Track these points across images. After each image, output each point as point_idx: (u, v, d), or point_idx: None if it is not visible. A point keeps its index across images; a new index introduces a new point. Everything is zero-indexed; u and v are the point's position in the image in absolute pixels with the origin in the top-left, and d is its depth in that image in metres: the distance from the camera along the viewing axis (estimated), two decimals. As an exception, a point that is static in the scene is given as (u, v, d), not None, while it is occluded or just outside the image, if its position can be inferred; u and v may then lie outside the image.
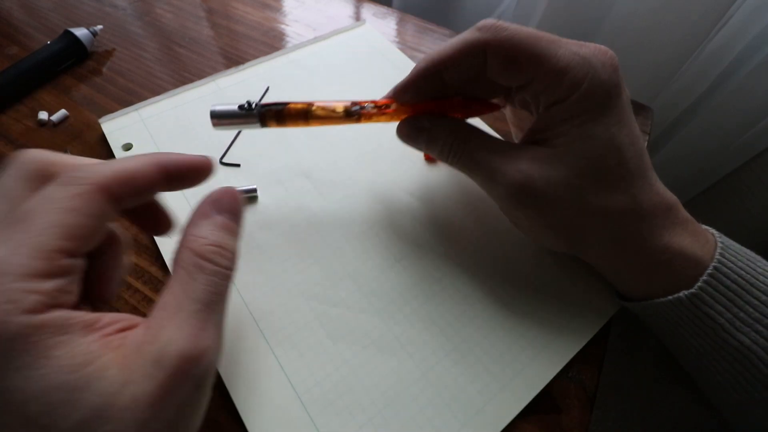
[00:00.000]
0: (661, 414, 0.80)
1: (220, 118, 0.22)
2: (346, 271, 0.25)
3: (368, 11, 0.44)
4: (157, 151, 0.30)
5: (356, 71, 0.37)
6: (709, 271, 0.20)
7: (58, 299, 0.14)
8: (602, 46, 0.20)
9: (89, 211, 0.15)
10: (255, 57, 0.38)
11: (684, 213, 0.22)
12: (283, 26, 0.42)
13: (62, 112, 0.33)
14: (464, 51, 0.21)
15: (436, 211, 0.28)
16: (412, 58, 0.38)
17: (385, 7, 0.44)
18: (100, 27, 0.38)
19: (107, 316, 0.15)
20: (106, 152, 0.31)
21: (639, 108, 0.37)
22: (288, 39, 0.41)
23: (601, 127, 0.20)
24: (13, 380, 0.12)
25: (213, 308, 0.15)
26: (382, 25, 0.42)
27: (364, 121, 0.24)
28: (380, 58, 0.38)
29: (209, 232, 0.16)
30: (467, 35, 0.21)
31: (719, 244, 0.21)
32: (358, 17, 0.43)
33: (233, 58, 0.38)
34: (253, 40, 0.40)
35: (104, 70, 0.37)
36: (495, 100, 0.26)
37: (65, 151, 0.31)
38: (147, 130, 0.32)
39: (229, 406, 0.21)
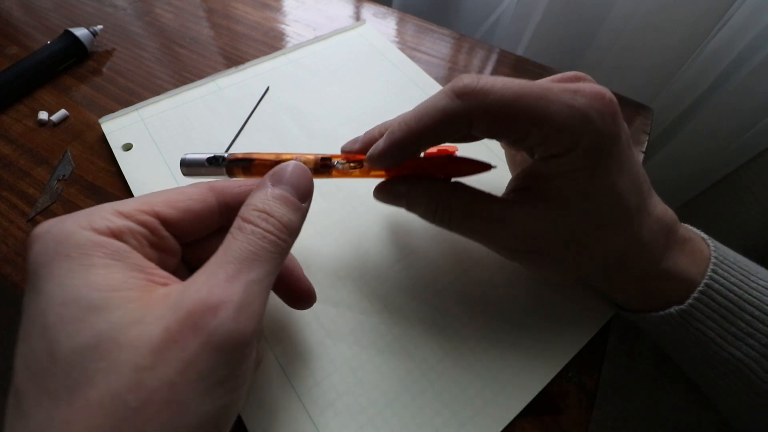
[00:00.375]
0: (661, 414, 0.80)
1: (189, 167, 0.22)
2: (346, 271, 0.25)
3: (368, 11, 0.44)
4: (157, 151, 0.30)
5: (356, 71, 0.37)
6: (700, 288, 0.20)
7: (125, 237, 0.15)
8: (598, 90, 0.18)
9: (192, 195, 0.17)
10: (255, 57, 0.38)
11: (681, 231, 0.22)
12: (283, 26, 0.42)
13: (62, 112, 0.33)
14: (446, 122, 0.19)
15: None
16: (412, 58, 0.38)
17: (385, 7, 0.44)
18: (100, 27, 0.38)
19: (164, 273, 0.15)
20: (106, 152, 0.31)
21: (639, 108, 0.37)
22: (288, 39, 0.41)
23: (600, 179, 0.18)
24: (49, 285, 0.13)
25: (247, 266, 0.14)
26: (382, 25, 0.42)
27: (336, 176, 0.22)
28: (380, 58, 0.38)
29: (258, 201, 0.16)
30: (447, 104, 0.18)
31: (713, 260, 0.21)
32: (358, 17, 0.43)
33: (233, 58, 0.38)
34: (253, 40, 0.40)
35: (104, 70, 0.37)
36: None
37: (65, 152, 0.31)
38: (147, 130, 0.32)
39: (229, 406, 0.21)
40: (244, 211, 0.16)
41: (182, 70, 0.37)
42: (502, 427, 0.21)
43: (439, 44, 0.41)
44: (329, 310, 0.24)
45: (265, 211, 0.16)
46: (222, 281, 0.14)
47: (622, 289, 0.22)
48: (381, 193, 0.23)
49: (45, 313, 0.13)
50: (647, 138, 0.35)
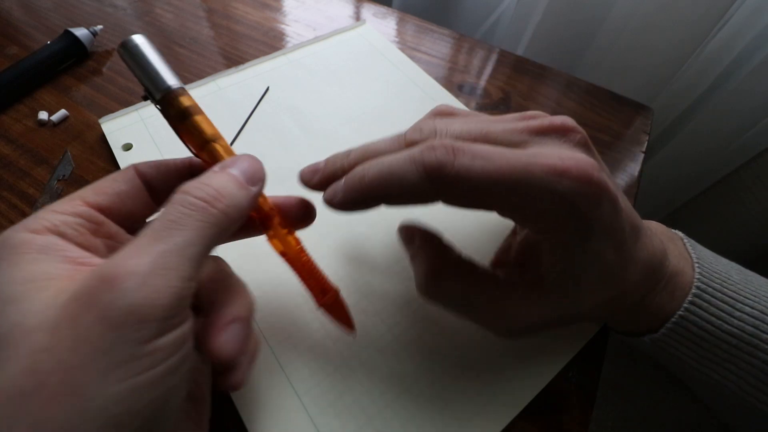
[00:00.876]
0: (660, 414, 0.80)
1: (130, 55, 0.18)
2: (346, 271, 0.25)
3: (368, 11, 0.44)
4: (157, 151, 0.30)
5: (356, 71, 0.37)
6: (674, 319, 0.20)
7: (60, 230, 0.15)
8: (585, 170, 0.16)
9: (117, 177, 0.18)
10: (255, 57, 0.38)
11: (670, 267, 0.21)
12: (283, 26, 0.42)
13: (62, 112, 0.33)
14: (410, 197, 0.17)
15: (436, 211, 0.28)
16: (412, 58, 0.38)
17: (385, 7, 0.45)
18: (100, 27, 0.38)
19: (101, 261, 0.15)
20: (106, 152, 0.31)
21: (639, 108, 0.37)
22: (288, 39, 0.41)
23: (588, 255, 0.17)
24: None
25: (164, 235, 0.13)
26: (382, 25, 0.42)
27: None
28: (380, 58, 0.38)
29: (201, 177, 0.16)
30: (415, 182, 0.16)
31: (694, 290, 0.20)
32: (358, 17, 0.43)
33: (233, 58, 0.38)
34: (253, 40, 0.40)
35: (104, 70, 0.37)
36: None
37: (65, 152, 0.31)
38: (147, 130, 0.32)
39: (228, 406, 0.21)
40: (181, 187, 0.15)
41: (182, 70, 0.37)
42: (502, 427, 0.21)
43: (439, 44, 0.41)
44: (329, 310, 0.24)
45: (201, 181, 0.15)
46: (130, 253, 0.13)
47: (602, 319, 0.23)
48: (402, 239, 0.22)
49: None
50: (647, 138, 0.35)
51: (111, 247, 0.16)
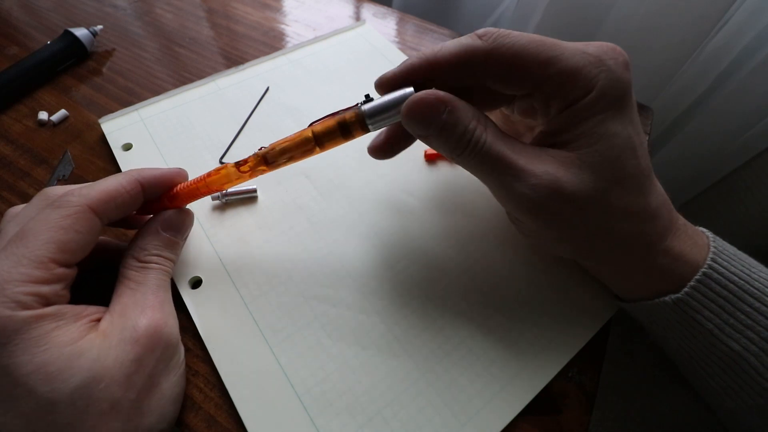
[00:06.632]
0: (661, 414, 0.80)
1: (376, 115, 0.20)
2: (346, 271, 0.25)
3: (368, 11, 0.44)
4: (157, 151, 0.30)
5: (356, 71, 0.37)
6: (697, 276, 0.20)
7: (53, 300, 0.17)
8: (611, 44, 0.19)
9: (79, 228, 0.18)
10: (255, 57, 0.38)
11: (679, 215, 0.22)
12: (283, 26, 0.42)
13: (62, 112, 0.33)
14: (464, 57, 0.20)
15: (435, 212, 0.28)
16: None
17: (385, 7, 0.44)
18: (100, 27, 0.38)
19: (90, 308, 0.19)
20: (106, 152, 0.31)
21: (639, 108, 0.37)
22: (288, 39, 0.41)
23: (619, 126, 0.19)
24: (18, 358, 0.15)
25: (162, 292, 0.20)
26: (382, 25, 0.42)
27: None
28: (380, 58, 0.38)
29: (152, 246, 0.21)
30: (467, 41, 0.20)
31: (712, 248, 0.20)
32: (358, 17, 0.43)
33: (233, 58, 0.38)
34: (253, 40, 0.40)
35: (104, 70, 0.37)
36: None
37: (65, 152, 0.31)
38: (147, 130, 0.32)
39: (228, 406, 0.21)
40: (141, 254, 0.21)
41: (182, 70, 0.37)
42: (502, 427, 0.21)
43: (439, 44, 0.41)
44: (329, 310, 0.24)
45: (160, 255, 0.21)
46: (158, 306, 0.20)
47: (624, 271, 0.22)
48: (418, 104, 0.19)
49: (25, 378, 0.15)
50: (647, 138, 0.35)
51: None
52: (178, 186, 0.23)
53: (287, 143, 0.21)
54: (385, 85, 0.21)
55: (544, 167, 0.19)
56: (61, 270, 0.18)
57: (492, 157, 0.19)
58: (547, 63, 0.19)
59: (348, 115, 0.21)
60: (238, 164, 0.22)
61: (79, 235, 0.18)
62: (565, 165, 0.19)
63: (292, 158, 0.22)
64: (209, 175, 0.22)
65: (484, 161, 0.19)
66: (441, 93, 0.19)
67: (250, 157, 0.22)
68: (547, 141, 0.20)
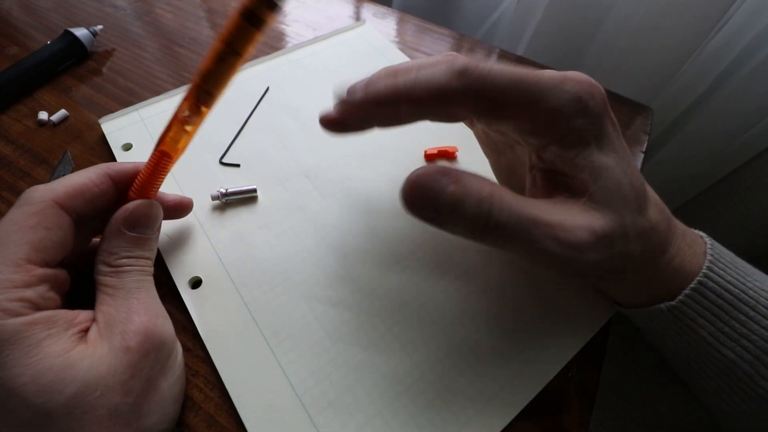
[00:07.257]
0: (661, 414, 0.80)
1: None
2: (346, 271, 0.25)
3: (368, 11, 0.44)
4: (157, 151, 0.30)
5: (356, 71, 0.37)
6: (692, 285, 0.20)
7: (41, 303, 0.17)
8: (584, 76, 0.18)
9: (47, 224, 0.18)
10: (255, 57, 0.38)
11: (678, 222, 0.21)
12: (283, 26, 0.42)
13: (62, 112, 0.33)
14: (437, 98, 0.18)
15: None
16: (412, 58, 0.38)
17: (385, 7, 0.45)
18: (100, 27, 0.38)
19: (83, 314, 0.18)
20: (106, 152, 0.31)
21: (639, 108, 0.37)
22: (288, 39, 0.41)
23: (604, 157, 0.18)
24: (11, 370, 0.15)
25: (142, 293, 0.19)
26: (382, 25, 0.42)
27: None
28: (380, 58, 0.38)
29: (120, 248, 0.20)
30: (444, 79, 0.17)
31: (708, 256, 0.20)
32: (358, 17, 0.43)
33: (233, 58, 0.38)
34: (253, 40, 0.40)
35: (104, 70, 0.37)
36: None
37: (65, 152, 0.31)
38: (147, 130, 0.32)
39: (228, 406, 0.21)
40: (110, 259, 0.19)
41: (182, 70, 0.37)
42: (502, 427, 0.21)
43: (439, 44, 0.41)
44: (329, 310, 0.24)
45: (130, 257, 0.20)
46: (145, 310, 0.19)
47: (626, 284, 0.22)
48: (414, 190, 0.17)
49: (20, 389, 0.15)
50: (647, 138, 0.35)
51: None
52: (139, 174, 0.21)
53: (205, 64, 0.19)
54: (344, 109, 0.19)
55: (575, 219, 0.17)
56: (40, 270, 0.17)
57: (524, 220, 0.16)
58: (528, 105, 0.18)
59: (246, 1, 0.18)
60: (175, 117, 0.20)
61: (50, 231, 0.18)
62: (585, 210, 0.18)
63: (220, 78, 0.19)
64: (160, 143, 0.20)
65: (517, 227, 0.16)
66: (437, 166, 0.17)
67: (182, 102, 0.20)
68: (544, 181, 0.20)
